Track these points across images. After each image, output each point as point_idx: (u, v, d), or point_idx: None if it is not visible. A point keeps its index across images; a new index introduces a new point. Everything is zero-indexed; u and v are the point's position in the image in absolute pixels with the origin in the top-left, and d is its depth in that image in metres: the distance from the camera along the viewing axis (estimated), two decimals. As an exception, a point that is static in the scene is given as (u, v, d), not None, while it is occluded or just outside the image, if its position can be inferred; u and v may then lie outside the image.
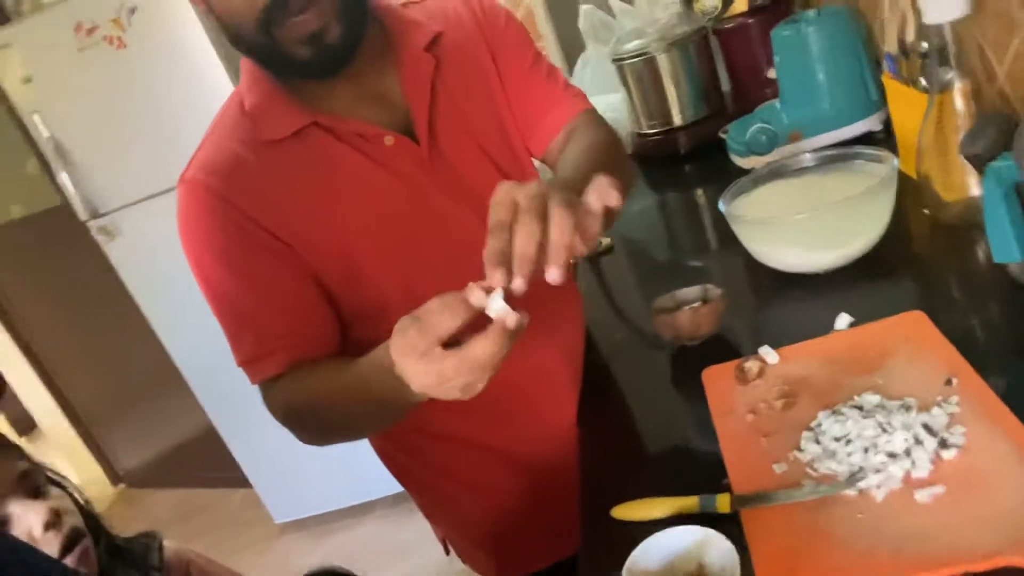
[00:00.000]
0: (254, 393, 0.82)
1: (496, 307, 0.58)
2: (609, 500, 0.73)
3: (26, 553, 0.47)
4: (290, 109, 0.81)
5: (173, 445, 3.07)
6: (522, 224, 0.58)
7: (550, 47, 2.20)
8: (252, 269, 0.80)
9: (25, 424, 3.39)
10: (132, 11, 1.90)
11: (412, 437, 0.93)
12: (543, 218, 0.58)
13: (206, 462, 2.92)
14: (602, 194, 0.61)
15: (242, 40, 0.78)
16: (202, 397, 2.44)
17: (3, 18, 2.38)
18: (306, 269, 0.81)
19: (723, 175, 1.46)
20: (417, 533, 2.40)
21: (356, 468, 2.49)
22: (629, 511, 0.72)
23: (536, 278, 0.91)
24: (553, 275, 0.59)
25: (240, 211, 0.78)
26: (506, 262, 0.58)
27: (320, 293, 0.82)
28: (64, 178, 2.12)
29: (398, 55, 0.86)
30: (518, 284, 0.58)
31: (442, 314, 0.58)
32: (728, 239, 1.04)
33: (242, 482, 2.70)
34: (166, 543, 0.90)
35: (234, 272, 0.80)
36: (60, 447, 3.22)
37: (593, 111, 0.95)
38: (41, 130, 2.08)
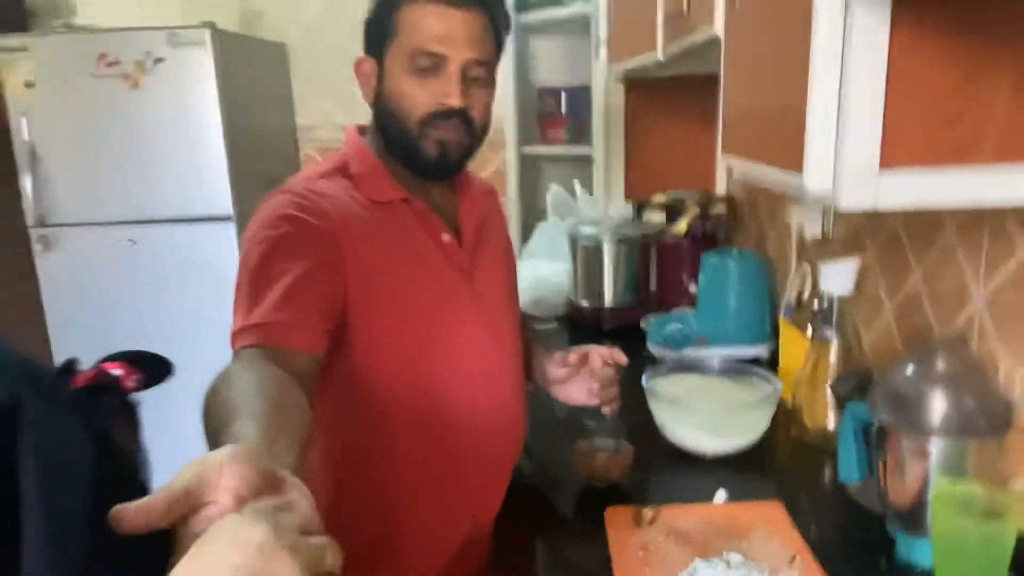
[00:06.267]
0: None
1: None
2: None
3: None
4: (389, 183, 1.02)
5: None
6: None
7: (511, 206, 2.50)
8: (308, 267, 0.90)
9: None
10: (159, 60, 2.06)
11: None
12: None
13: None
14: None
15: (391, 123, 0.99)
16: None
17: (21, 24, 2.47)
18: (344, 293, 0.94)
19: (635, 356, 1.71)
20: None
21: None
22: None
23: (514, 410, 1.11)
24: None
25: (326, 231, 0.92)
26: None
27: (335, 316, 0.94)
28: (27, 180, 2.16)
29: (462, 188, 1.10)
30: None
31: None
32: (635, 408, 1.26)
33: None
34: None
35: (296, 259, 0.89)
36: None
37: None
38: (23, 133, 2.14)
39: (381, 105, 1.01)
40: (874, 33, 0.59)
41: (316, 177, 1.01)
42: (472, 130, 1.01)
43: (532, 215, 2.56)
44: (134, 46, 2.07)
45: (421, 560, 1.06)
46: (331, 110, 2.74)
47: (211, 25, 2.07)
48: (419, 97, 0.97)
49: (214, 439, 0.61)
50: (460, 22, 0.95)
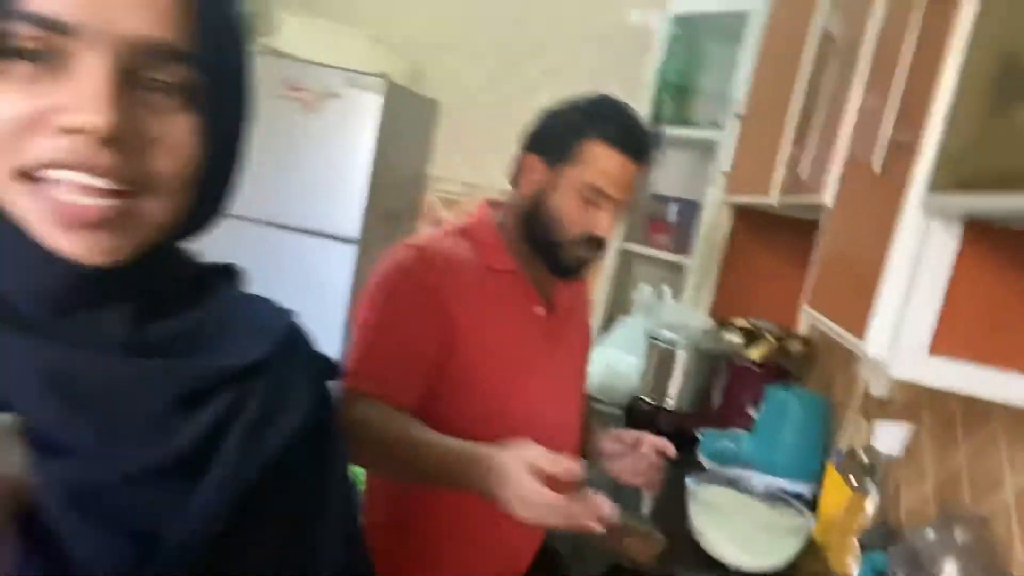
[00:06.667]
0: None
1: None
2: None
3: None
4: (504, 255, 1.19)
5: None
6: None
7: (600, 294, 2.66)
8: (420, 329, 1.09)
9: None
10: (335, 96, 2.35)
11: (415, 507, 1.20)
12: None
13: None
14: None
15: (541, 226, 1.16)
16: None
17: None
18: (442, 346, 1.10)
19: (684, 460, 1.81)
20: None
21: None
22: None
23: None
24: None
25: (441, 293, 1.10)
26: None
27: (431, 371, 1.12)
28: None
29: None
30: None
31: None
32: (675, 509, 1.37)
33: None
34: None
35: (410, 319, 1.09)
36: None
37: None
38: (204, 126, 2.47)
39: (537, 206, 1.16)
40: (945, 246, 0.72)
41: (443, 236, 1.19)
42: (603, 251, 1.19)
43: (617, 306, 2.71)
44: (318, 78, 2.37)
45: None
46: (459, 167, 3.00)
47: (385, 76, 2.36)
48: (577, 220, 1.14)
49: (420, 450, 0.98)
50: (633, 173, 1.14)
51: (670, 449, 1.27)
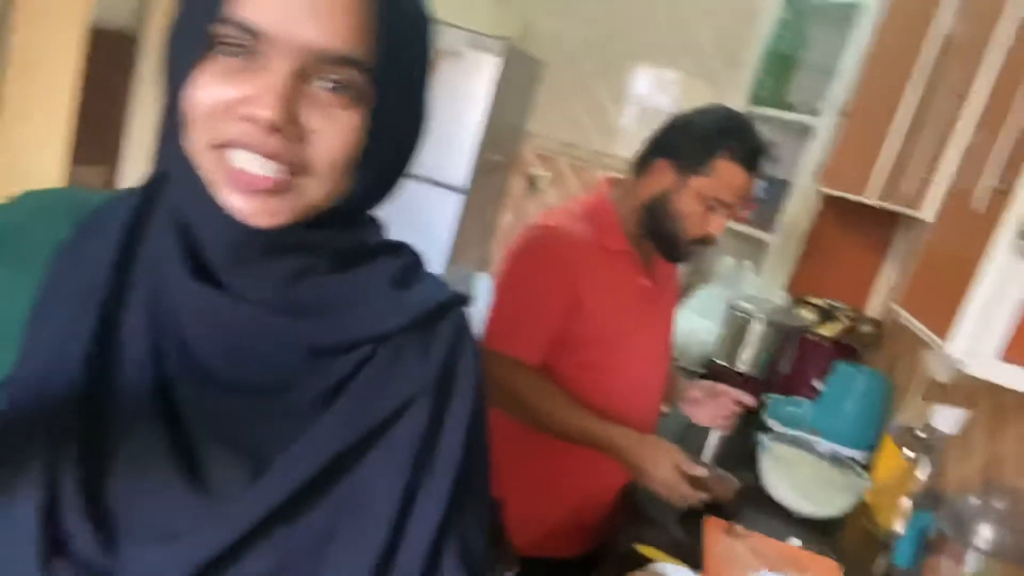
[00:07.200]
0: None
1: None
2: (633, 539, 1.25)
3: None
4: (620, 238, 1.39)
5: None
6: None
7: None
8: (552, 301, 1.32)
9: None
10: (456, 54, 2.54)
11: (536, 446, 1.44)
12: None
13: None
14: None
15: (664, 223, 1.35)
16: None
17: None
18: (569, 315, 1.32)
19: (751, 421, 2.03)
20: None
21: None
22: (646, 551, 1.24)
23: (654, 416, 1.49)
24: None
25: (571, 270, 1.32)
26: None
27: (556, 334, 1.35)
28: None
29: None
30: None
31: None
32: (744, 463, 1.59)
33: None
34: None
35: (545, 292, 1.31)
36: None
37: None
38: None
39: (662, 206, 1.34)
40: (1021, 277, 0.91)
41: (567, 217, 1.38)
42: (713, 245, 1.40)
43: (695, 274, 2.90)
44: (441, 37, 2.55)
45: (565, 505, 1.46)
46: (555, 125, 3.18)
47: (508, 39, 2.53)
48: (697, 223, 1.33)
49: (584, 422, 1.30)
50: (751, 185, 1.33)
51: (750, 400, 1.50)
